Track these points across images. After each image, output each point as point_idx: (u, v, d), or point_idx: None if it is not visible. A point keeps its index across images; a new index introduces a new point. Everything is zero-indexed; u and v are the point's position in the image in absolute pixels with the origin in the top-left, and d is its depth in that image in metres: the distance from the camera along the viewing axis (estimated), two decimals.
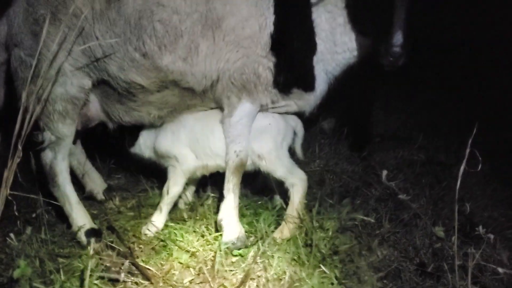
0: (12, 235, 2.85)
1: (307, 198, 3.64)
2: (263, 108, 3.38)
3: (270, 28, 3.16)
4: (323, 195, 3.67)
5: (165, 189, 3.49)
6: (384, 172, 2.70)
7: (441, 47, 5.96)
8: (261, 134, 3.37)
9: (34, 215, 3.32)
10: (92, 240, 3.22)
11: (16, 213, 3.02)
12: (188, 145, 3.46)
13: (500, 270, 2.72)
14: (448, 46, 6.07)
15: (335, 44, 3.26)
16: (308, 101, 3.41)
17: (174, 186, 3.47)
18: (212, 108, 3.46)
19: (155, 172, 3.82)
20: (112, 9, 3.12)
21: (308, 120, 3.67)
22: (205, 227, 3.44)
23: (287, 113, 3.52)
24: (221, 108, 3.38)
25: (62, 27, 3.05)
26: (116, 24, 3.12)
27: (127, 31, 3.12)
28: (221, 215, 3.31)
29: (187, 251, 3.17)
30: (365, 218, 3.39)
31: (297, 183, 3.37)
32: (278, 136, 3.42)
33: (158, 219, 3.46)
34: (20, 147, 2.76)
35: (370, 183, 4.02)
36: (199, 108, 3.45)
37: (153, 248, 3.27)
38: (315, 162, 4.44)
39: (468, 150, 2.49)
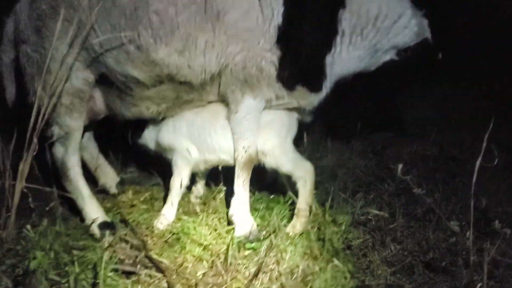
0: (28, 226, 2.87)
1: (320, 193, 3.66)
2: (268, 104, 3.31)
3: (277, 20, 3.06)
4: (336, 190, 3.65)
5: (172, 181, 3.52)
6: (400, 166, 2.68)
7: (454, 42, 5.90)
8: (264, 130, 3.34)
9: (48, 208, 3.34)
10: (106, 233, 3.25)
11: (31, 206, 3.05)
12: (190, 138, 3.46)
13: None
14: (461, 41, 6.00)
15: (359, 50, 3.24)
16: (312, 102, 3.34)
17: (180, 178, 3.48)
18: (210, 102, 3.42)
19: (168, 165, 3.83)
20: (107, 0, 3.08)
21: (321, 114, 3.65)
22: (217, 220, 3.44)
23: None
24: (225, 103, 3.34)
25: (64, 22, 3.05)
26: (111, 15, 3.07)
27: (122, 22, 3.08)
28: (232, 210, 3.32)
29: (200, 244, 3.18)
30: (379, 212, 3.38)
31: (304, 176, 3.34)
32: (282, 131, 3.40)
33: (169, 211, 3.48)
34: (35, 140, 2.78)
35: (383, 178, 4.01)
36: (197, 103, 3.41)
37: (166, 241, 3.28)
38: (328, 156, 4.43)
39: (484, 145, 2.45)
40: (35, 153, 2.87)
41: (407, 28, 3.28)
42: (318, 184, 3.91)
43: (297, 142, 3.62)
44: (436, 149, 4.66)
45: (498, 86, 5.81)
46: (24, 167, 2.74)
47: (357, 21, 3.19)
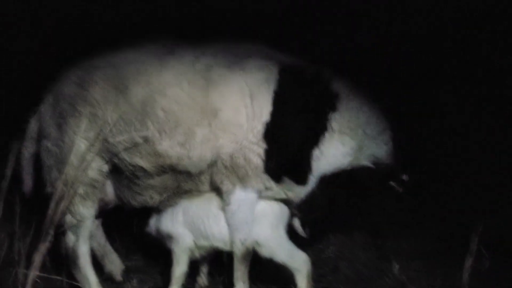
0: None
1: (322, 286, 3.69)
2: (259, 195, 3.47)
3: (265, 117, 3.35)
4: (337, 284, 3.70)
5: (171, 270, 3.60)
6: (396, 266, 2.79)
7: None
8: (256, 220, 3.45)
9: None
10: None
11: None
12: (185, 225, 3.59)
13: None
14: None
15: (346, 148, 3.48)
16: (298, 194, 3.53)
17: (178, 265, 3.58)
18: (206, 192, 3.60)
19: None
20: (120, 97, 3.40)
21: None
22: None
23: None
24: (218, 193, 3.52)
25: (82, 118, 3.39)
26: (122, 110, 3.38)
27: (132, 116, 3.38)
28: None
29: None
30: None
31: (300, 268, 3.39)
32: (274, 220, 3.51)
33: None
34: (51, 232, 2.92)
35: (384, 271, 4.02)
36: (194, 193, 3.60)
37: None
38: (329, 248, 4.50)
39: (475, 247, 2.57)
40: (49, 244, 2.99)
41: (386, 145, 3.60)
42: (320, 277, 3.97)
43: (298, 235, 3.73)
44: (437, 243, 4.68)
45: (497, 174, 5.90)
46: (38, 258, 2.85)
47: (348, 123, 3.48)
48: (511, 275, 3.98)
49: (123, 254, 4.34)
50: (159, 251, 4.15)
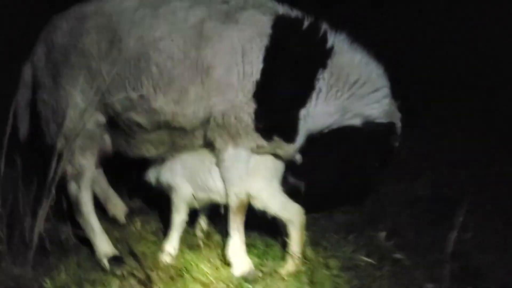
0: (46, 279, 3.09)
1: (314, 232, 3.83)
2: (252, 151, 3.51)
3: (256, 76, 3.31)
4: (329, 230, 3.84)
5: (171, 218, 3.73)
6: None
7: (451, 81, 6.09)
8: (250, 173, 3.52)
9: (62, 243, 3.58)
10: (115, 267, 3.52)
11: (48, 248, 3.28)
12: (184, 178, 3.69)
13: None
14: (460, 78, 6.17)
15: (331, 107, 3.46)
16: (288, 152, 3.54)
17: (177, 214, 3.71)
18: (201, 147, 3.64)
19: None
20: (114, 49, 3.36)
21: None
22: (218, 257, 3.62)
23: None
24: (212, 149, 3.56)
25: (77, 70, 3.38)
26: (117, 64, 3.35)
27: (127, 71, 3.36)
28: (229, 253, 3.53)
29: (202, 283, 3.37)
30: (367, 259, 3.55)
31: (293, 219, 3.50)
32: (267, 173, 3.58)
33: (172, 246, 3.68)
34: (53, 186, 3.03)
35: (377, 219, 4.14)
36: (190, 149, 3.64)
37: (171, 277, 3.44)
38: None
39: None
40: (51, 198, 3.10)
41: (378, 103, 3.52)
42: (314, 221, 4.11)
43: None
44: (431, 189, 4.72)
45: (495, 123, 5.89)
46: (43, 213, 2.98)
47: (335, 82, 3.41)
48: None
49: (128, 196, 4.46)
50: (160, 195, 4.30)
